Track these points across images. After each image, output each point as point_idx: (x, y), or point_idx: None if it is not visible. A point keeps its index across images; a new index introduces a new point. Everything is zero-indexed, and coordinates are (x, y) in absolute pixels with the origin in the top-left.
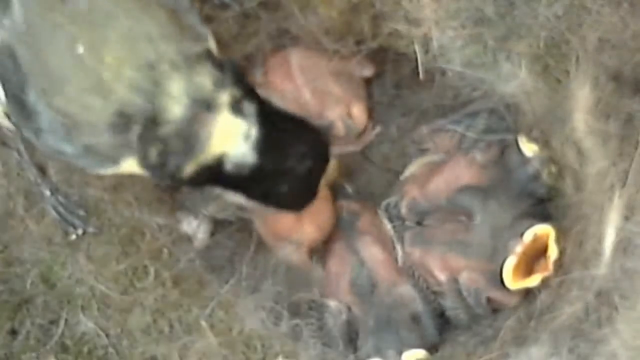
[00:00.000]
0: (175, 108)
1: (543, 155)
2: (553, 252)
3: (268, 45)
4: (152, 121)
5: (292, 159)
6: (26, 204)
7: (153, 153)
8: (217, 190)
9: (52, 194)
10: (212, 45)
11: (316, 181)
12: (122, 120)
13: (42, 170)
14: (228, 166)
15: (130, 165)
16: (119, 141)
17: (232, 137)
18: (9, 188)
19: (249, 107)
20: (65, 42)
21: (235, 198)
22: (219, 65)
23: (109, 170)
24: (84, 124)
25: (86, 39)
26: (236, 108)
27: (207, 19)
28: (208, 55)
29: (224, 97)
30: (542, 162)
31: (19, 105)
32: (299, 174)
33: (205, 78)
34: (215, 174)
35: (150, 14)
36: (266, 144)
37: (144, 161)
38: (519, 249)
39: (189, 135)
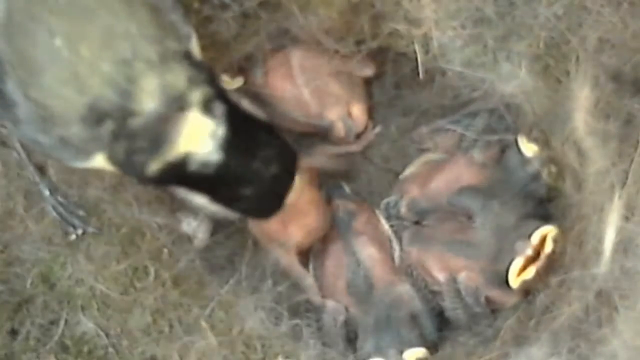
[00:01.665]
0: (148, 103)
1: (543, 156)
2: (548, 247)
3: (268, 45)
4: (124, 117)
5: (258, 161)
6: (26, 204)
7: (120, 149)
8: (182, 192)
9: (51, 194)
10: (193, 44)
11: (282, 189)
12: (94, 114)
13: (41, 170)
14: (193, 165)
15: (100, 161)
16: (89, 135)
17: (199, 136)
18: (9, 188)
19: (219, 108)
20: (44, 33)
21: (201, 200)
22: (195, 65)
23: (82, 164)
24: (58, 115)
25: (64, 31)
26: (207, 107)
27: (207, 19)
28: (185, 54)
29: (196, 96)
30: (542, 162)
31: None
32: (264, 178)
33: (179, 76)
34: (181, 173)
35: (132, 11)
36: (233, 145)
37: (111, 157)
38: (529, 251)
39: (158, 133)
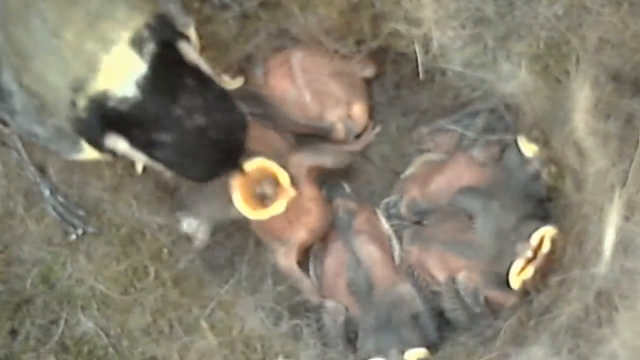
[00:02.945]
0: (104, 57)
1: (543, 156)
2: (545, 247)
3: (268, 46)
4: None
5: (179, 108)
6: (26, 204)
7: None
8: (113, 142)
9: (51, 194)
10: (191, 32)
11: (217, 146)
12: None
13: (41, 170)
14: (112, 102)
15: (88, 149)
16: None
17: (120, 72)
18: (9, 188)
19: (149, 47)
20: (35, 20)
21: (124, 147)
22: (157, 16)
23: (79, 156)
24: (49, 103)
25: (54, 16)
26: (136, 44)
27: (207, 19)
28: (159, 15)
29: (126, 33)
30: (542, 162)
31: None
32: (186, 128)
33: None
34: (104, 113)
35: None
36: (153, 85)
37: (70, 121)
38: (528, 253)
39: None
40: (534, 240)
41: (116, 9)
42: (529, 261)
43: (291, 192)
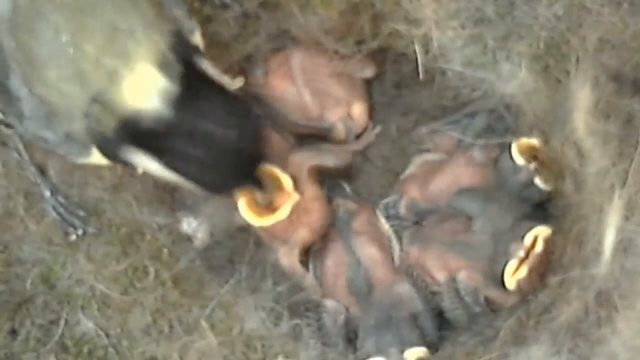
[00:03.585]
0: (126, 73)
1: (531, 167)
2: (538, 247)
3: (268, 46)
4: (110, 97)
5: (209, 122)
6: (26, 204)
7: (92, 121)
8: (138, 158)
9: (51, 194)
10: (197, 39)
11: (241, 159)
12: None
13: (42, 170)
14: (144, 121)
15: (96, 155)
16: (87, 129)
17: (150, 91)
18: (9, 188)
19: (175, 67)
20: (49, 29)
21: (155, 167)
22: (176, 36)
23: (86, 160)
24: (63, 111)
25: (70, 27)
26: (162, 64)
27: (207, 19)
28: (175, 32)
29: (151, 52)
30: (532, 172)
31: (2, 91)
32: (217, 141)
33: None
34: (134, 132)
35: (136, 6)
36: (184, 103)
37: (88, 132)
38: (521, 253)
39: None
40: (527, 240)
41: (133, 23)
42: (522, 261)
43: (294, 197)
